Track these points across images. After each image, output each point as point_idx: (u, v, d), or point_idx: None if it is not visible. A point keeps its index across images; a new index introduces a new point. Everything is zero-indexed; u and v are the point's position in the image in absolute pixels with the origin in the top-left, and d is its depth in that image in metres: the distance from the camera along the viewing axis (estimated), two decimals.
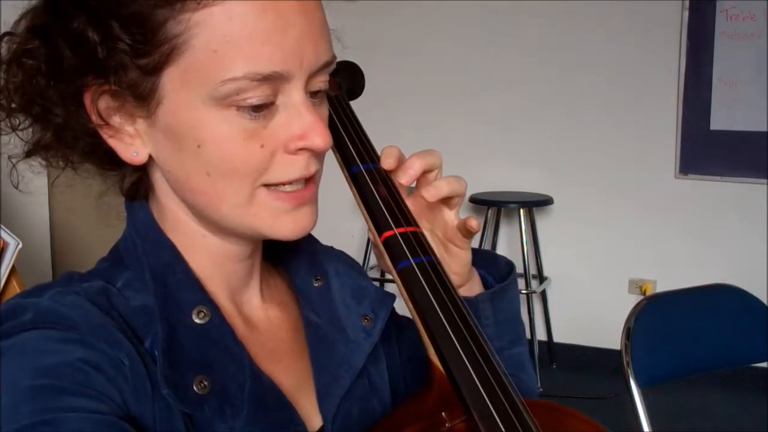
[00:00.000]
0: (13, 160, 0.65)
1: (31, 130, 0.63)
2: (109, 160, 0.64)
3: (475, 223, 0.71)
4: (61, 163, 0.65)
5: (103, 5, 0.56)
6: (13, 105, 0.62)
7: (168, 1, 0.55)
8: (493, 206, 3.70)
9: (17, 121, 0.63)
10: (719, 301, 1.69)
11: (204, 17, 0.56)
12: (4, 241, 1.84)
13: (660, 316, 1.60)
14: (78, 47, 0.57)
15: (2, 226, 1.86)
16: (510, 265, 0.81)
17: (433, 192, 0.69)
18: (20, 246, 1.86)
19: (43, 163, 0.65)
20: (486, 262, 0.81)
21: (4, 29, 0.61)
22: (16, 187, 0.67)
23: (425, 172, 0.70)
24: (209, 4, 0.55)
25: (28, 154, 0.64)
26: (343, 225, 3.74)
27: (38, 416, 0.51)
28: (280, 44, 0.57)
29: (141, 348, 0.60)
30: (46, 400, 0.52)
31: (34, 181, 0.69)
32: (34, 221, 2.78)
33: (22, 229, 2.16)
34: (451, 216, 0.73)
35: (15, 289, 1.86)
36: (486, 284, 0.80)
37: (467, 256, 0.74)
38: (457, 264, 0.74)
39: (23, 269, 1.91)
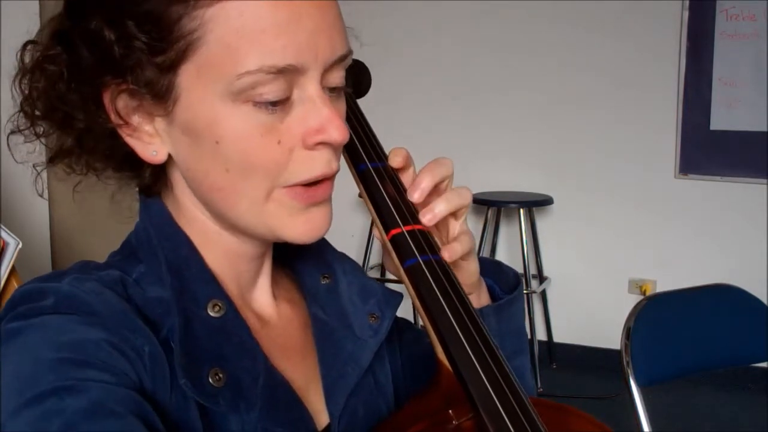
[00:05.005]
0: (38, 168, 0.66)
1: (50, 138, 0.64)
2: (128, 163, 0.65)
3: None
4: (83, 168, 0.65)
5: (118, 5, 0.57)
6: (37, 113, 0.63)
7: None
8: (493, 206, 3.70)
9: (41, 128, 0.64)
10: (719, 301, 1.69)
11: (217, 12, 0.56)
12: (4, 241, 1.84)
13: (660, 316, 1.60)
14: (95, 47, 0.58)
15: (2, 226, 1.85)
16: (517, 277, 0.80)
17: (429, 217, 0.67)
18: (20, 246, 1.86)
19: (67, 170, 0.65)
20: (493, 271, 0.80)
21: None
22: (41, 195, 0.68)
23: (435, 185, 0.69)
24: (222, 0, 0.56)
25: (51, 161, 0.65)
26: (344, 224, 3.74)
27: (60, 383, 0.52)
28: (294, 37, 0.57)
29: (160, 336, 0.60)
30: (69, 370, 0.53)
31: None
32: (34, 221, 2.78)
33: (22, 229, 2.16)
34: (456, 226, 0.71)
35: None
36: (493, 294, 0.78)
37: (473, 267, 0.73)
38: (463, 275, 0.72)
39: (23, 269, 1.91)
